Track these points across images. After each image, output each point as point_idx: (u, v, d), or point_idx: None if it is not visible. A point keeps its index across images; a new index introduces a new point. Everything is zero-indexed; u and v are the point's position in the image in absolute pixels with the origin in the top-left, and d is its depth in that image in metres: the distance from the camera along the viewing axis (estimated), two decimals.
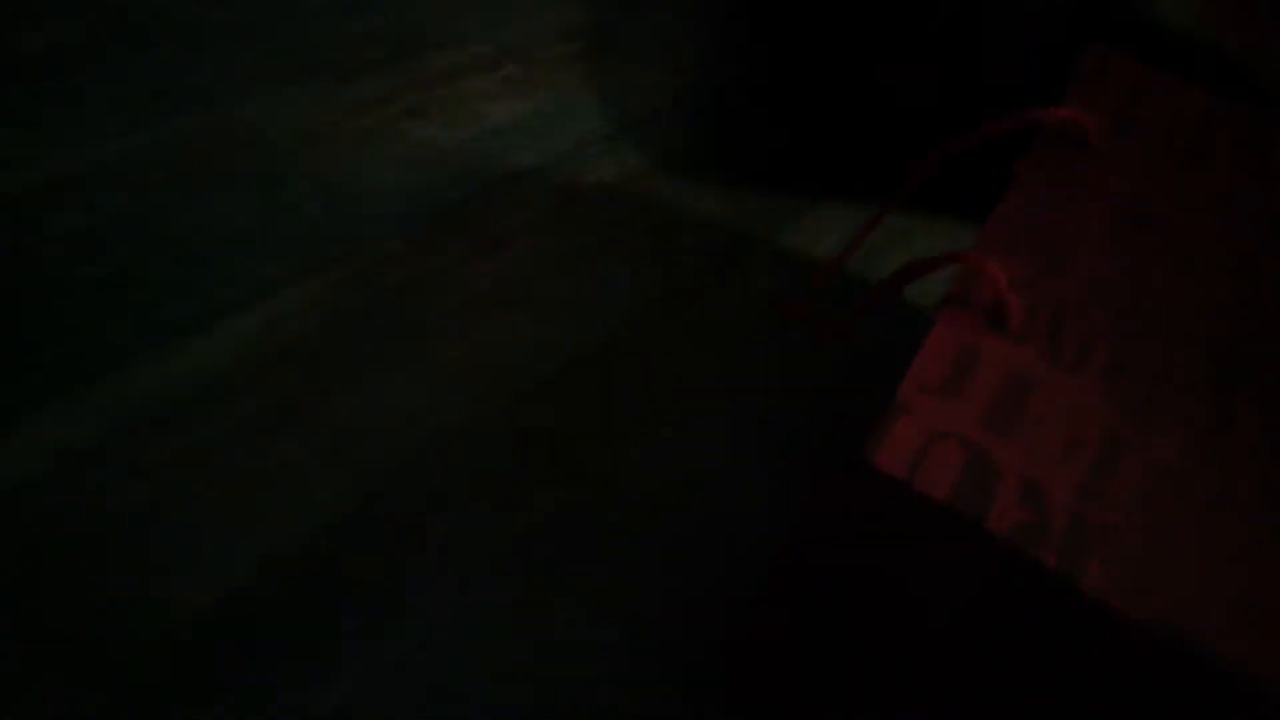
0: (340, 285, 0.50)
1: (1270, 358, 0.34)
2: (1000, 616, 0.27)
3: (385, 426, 0.45)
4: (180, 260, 0.48)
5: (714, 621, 0.41)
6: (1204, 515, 0.28)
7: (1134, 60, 0.48)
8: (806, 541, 0.30)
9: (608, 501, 0.44)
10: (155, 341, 0.45)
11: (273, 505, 0.41)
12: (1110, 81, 0.46)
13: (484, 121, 0.63)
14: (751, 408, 0.51)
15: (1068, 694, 0.27)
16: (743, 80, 0.74)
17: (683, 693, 0.38)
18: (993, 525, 0.26)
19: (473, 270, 0.53)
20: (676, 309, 0.55)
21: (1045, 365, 0.31)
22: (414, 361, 0.48)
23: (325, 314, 0.49)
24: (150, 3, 0.61)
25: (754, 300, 0.57)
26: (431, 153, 0.59)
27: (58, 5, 0.59)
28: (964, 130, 0.64)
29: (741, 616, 0.41)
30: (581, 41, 0.72)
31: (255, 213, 0.52)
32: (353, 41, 0.64)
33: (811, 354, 0.55)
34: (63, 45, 0.56)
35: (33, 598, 0.35)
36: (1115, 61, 0.48)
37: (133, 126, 0.53)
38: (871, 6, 0.68)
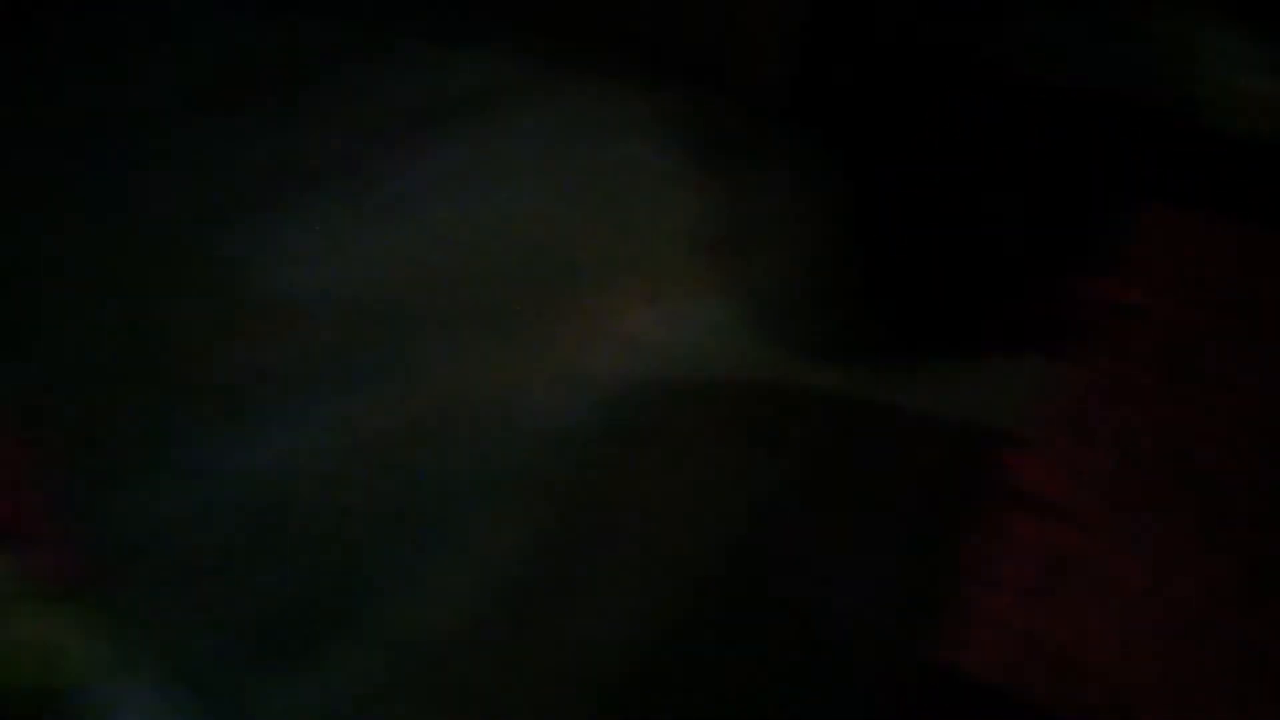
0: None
1: None
2: None
3: None
4: None
5: None
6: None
7: (1184, 213, 0.53)
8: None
9: None
10: None
11: None
12: (1159, 241, 0.51)
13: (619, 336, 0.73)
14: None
15: None
16: (859, 260, 0.81)
17: None
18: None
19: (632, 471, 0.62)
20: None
21: (1087, 542, 0.36)
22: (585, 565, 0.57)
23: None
24: None
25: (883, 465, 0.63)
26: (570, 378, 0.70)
27: None
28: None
29: None
30: (704, 246, 0.82)
31: None
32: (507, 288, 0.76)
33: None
34: None
35: None
36: (1167, 219, 0.52)
37: None
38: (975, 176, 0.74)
